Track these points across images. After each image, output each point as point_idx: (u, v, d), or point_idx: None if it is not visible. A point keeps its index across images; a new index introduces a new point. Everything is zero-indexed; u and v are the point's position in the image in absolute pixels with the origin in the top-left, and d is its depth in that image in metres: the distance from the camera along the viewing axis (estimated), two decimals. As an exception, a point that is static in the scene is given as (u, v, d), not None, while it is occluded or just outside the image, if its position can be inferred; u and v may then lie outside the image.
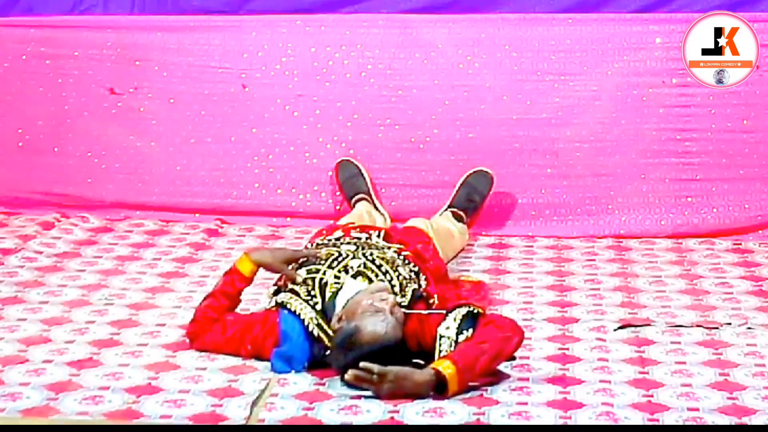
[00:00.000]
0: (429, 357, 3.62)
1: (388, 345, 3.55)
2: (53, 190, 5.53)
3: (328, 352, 3.67)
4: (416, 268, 4.05)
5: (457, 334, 3.60)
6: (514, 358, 3.70)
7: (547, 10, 5.36)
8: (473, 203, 5.11)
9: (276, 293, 3.93)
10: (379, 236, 4.30)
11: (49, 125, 5.55)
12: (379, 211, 5.13)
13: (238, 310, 3.95)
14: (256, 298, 4.21)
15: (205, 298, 3.94)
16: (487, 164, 5.26)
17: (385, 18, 5.41)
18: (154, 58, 5.48)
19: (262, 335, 3.75)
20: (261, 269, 3.96)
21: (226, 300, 3.90)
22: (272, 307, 3.87)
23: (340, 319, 3.67)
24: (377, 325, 3.56)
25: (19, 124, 5.57)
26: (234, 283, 3.92)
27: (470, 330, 3.60)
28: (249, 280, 3.95)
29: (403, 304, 3.77)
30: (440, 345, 3.59)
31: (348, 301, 3.74)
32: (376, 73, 5.38)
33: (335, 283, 3.85)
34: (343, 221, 4.79)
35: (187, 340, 3.89)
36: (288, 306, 3.79)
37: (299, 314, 3.75)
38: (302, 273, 3.92)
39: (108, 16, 5.55)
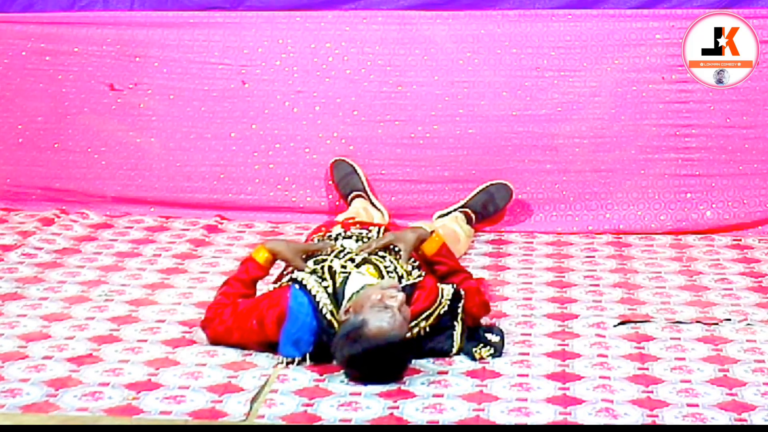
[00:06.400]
0: (436, 355, 3.70)
1: (392, 342, 3.56)
2: (53, 186, 5.54)
3: (334, 340, 3.68)
4: (416, 263, 4.05)
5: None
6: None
7: (546, 6, 5.35)
8: (486, 212, 5.14)
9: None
10: (378, 232, 4.30)
11: (49, 121, 5.55)
12: (376, 207, 5.13)
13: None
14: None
15: (221, 285, 3.98)
16: (487, 160, 5.28)
17: (385, 14, 5.41)
18: (154, 55, 5.48)
19: (267, 306, 3.76)
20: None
21: (241, 286, 3.93)
22: (284, 283, 3.89)
23: (347, 311, 3.67)
24: (384, 321, 3.57)
25: (19, 120, 5.57)
26: (248, 269, 3.96)
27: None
28: (264, 269, 3.98)
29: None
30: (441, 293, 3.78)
31: (354, 294, 3.75)
32: (376, 70, 5.38)
33: (342, 272, 3.86)
34: (340, 218, 4.80)
35: (201, 329, 3.89)
36: (302, 281, 3.79)
37: (311, 290, 3.76)
38: (310, 264, 3.94)
39: (108, 12, 5.54)
